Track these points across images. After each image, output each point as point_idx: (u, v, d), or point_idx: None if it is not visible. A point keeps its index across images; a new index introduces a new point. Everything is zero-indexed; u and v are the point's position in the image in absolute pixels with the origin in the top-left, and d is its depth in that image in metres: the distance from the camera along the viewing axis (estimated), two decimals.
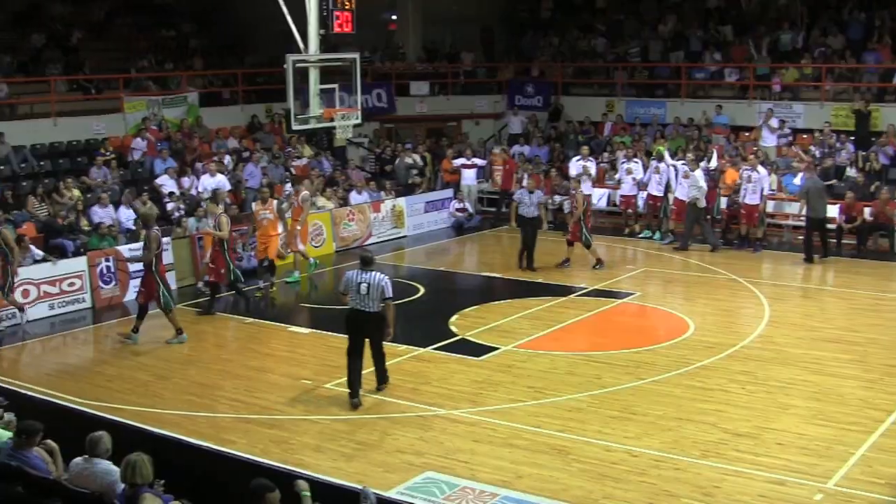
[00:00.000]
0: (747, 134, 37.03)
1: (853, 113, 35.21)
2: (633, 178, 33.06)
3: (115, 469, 11.01)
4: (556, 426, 16.84)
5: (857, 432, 16.49)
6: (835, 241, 29.96)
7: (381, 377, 18.78)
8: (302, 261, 27.70)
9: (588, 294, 25.69)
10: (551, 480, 14.74)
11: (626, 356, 20.66)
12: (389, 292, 17.97)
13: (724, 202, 31.49)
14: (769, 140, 35.77)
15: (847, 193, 30.73)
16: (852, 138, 34.53)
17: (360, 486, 11.15)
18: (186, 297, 26.14)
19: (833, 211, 30.15)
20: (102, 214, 27.47)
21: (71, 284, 24.78)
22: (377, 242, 32.35)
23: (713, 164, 32.52)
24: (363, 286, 17.85)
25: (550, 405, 17.89)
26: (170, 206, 29.25)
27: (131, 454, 10.64)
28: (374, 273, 17.97)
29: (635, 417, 17.30)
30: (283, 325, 23.48)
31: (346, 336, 18.50)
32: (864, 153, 33.75)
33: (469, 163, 36.40)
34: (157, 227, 22.10)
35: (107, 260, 25.51)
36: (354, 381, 18.07)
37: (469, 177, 36.21)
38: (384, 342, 18.37)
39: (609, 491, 14.39)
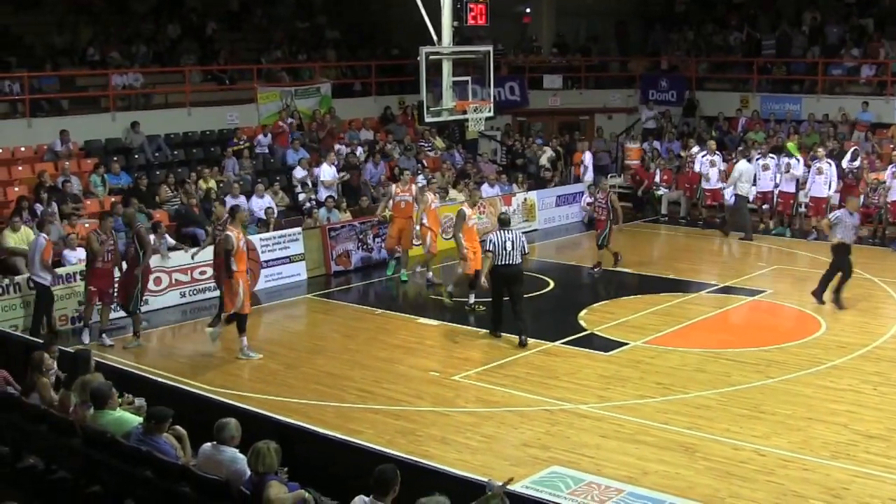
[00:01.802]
0: (885, 131, 36.60)
1: None
2: (771, 175, 32.68)
3: (242, 457, 11.17)
4: (684, 423, 16.80)
5: None
6: None
7: (524, 329, 21.15)
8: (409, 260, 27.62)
9: (718, 291, 25.56)
10: (677, 478, 14.72)
11: (755, 354, 20.48)
12: (527, 247, 21.63)
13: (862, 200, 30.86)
14: None
15: None
16: None
17: (485, 479, 11.23)
18: (317, 287, 26.47)
19: None
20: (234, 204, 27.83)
21: (202, 273, 25.11)
22: None
23: (857, 162, 32.21)
24: (508, 243, 20.91)
25: (678, 402, 17.84)
26: (301, 197, 29.58)
27: (258, 442, 10.82)
28: (514, 231, 21.43)
29: (764, 416, 17.19)
30: (412, 316, 23.65)
31: (495, 295, 21.53)
32: None
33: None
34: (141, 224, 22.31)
35: None
36: (498, 320, 21.56)
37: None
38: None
39: (735, 490, 14.34)
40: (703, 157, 33.82)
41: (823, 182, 31.10)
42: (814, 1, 42.73)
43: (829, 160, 31.76)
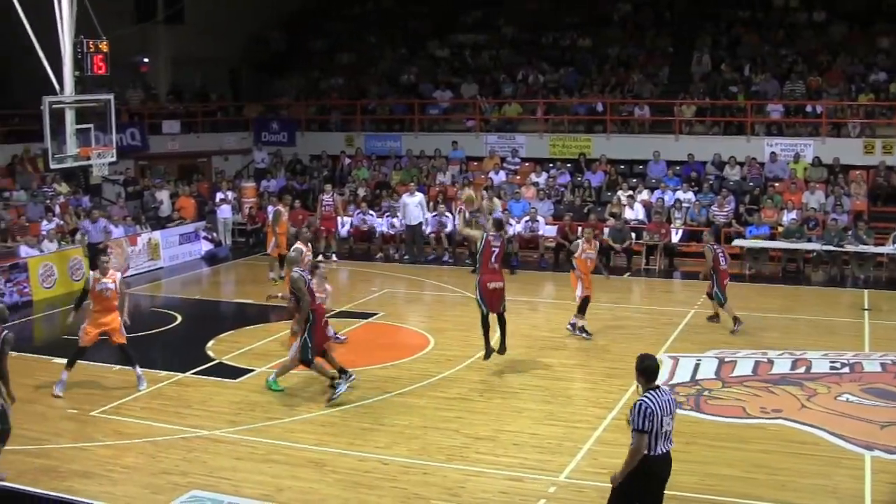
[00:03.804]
0: (479, 164, 37.96)
1: None
2: None
3: None
4: (312, 440, 16.90)
5: (584, 429, 17.13)
6: None
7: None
8: None
9: (334, 315, 25.59)
10: (310, 492, 14.77)
11: (372, 372, 20.80)
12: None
13: None
14: None
15: None
16: None
17: None
18: None
19: None
20: None
21: None
22: (135, 275, 31.85)
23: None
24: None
25: (304, 421, 17.92)
26: None
27: None
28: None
29: (384, 428, 17.47)
30: (46, 357, 22.92)
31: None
32: None
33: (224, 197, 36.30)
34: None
35: None
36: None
37: (225, 210, 36.03)
38: None
39: (364, 498, 14.51)
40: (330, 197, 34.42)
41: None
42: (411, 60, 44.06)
43: (447, 213, 33.10)
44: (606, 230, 31.63)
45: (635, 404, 11.33)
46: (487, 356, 20.69)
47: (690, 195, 33.82)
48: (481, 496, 14.57)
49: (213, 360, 22.15)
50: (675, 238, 32.14)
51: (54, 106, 25.43)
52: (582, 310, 23.36)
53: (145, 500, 14.22)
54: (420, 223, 33.39)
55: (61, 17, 25.79)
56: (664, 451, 11.39)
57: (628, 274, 30.66)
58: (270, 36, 48.35)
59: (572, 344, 22.39)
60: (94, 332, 19.83)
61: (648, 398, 11.28)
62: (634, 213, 33.03)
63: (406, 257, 33.57)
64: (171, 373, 20.91)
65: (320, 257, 33.05)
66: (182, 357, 22.34)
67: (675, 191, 34.17)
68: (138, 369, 20.10)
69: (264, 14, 47.19)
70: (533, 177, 36.47)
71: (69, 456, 16.54)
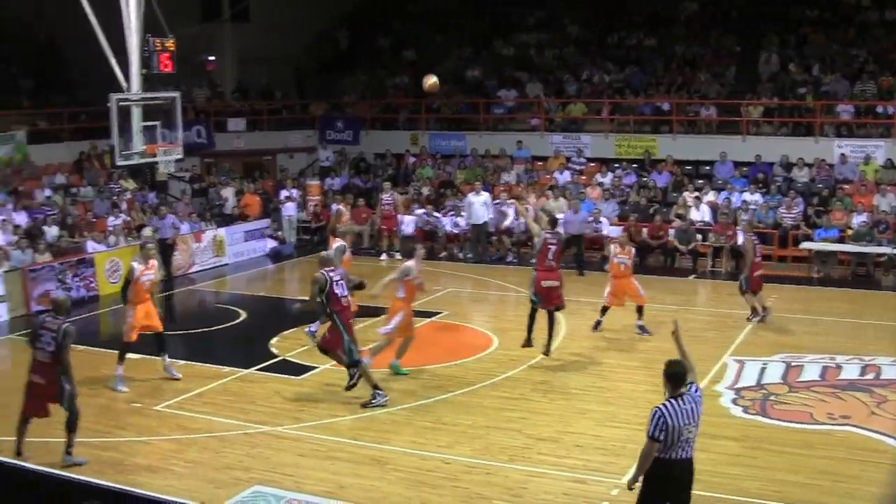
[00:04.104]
0: (542, 164, 37.92)
1: None
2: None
3: None
4: (374, 438, 16.94)
5: None
6: None
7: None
8: None
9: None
10: (372, 490, 14.81)
11: (436, 371, 20.91)
12: None
13: None
14: None
15: None
16: None
17: (196, 503, 11.11)
18: (19, 327, 25.72)
19: None
20: None
21: None
22: (200, 271, 32.09)
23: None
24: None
25: (367, 419, 17.98)
26: (3, 240, 28.63)
27: None
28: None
29: (447, 427, 17.50)
30: (113, 351, 23.04)
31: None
32: None
33: (289, 194, 36.48)
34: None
35: None
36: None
37: (290, 208, 36.18)
38: None
39: (426, 497, 14.53)
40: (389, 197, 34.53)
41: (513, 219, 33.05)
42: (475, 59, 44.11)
43: (510, 202, 32.90)
44: (672, 231, 31.46)
45: (653, 411, 11.40)
46: (526, 345, 21.09)
47: (757, 197, 33.51)
48: (543, 497, 14.56)
49: (277, 356, 22.29)
50: (742, 240, 31.78)
51: (121, 103, 25.65)
52: (639, 311, 23.76)
53: (208, 494, 14.31)
54: (485, 222, 33.36)
55: (129, 16, 26.02)
56: (683, 457, 11.43)
57: (694, 276, 30.47)
58: (335, 34, 48.49)
59: (637, 345, 22.33)
60: (140, 324, 20.21)
61: (666, 407, 11.34)
62: (700, 214, 32.79)
63: (470, 256, 33.55)
64: (235, 369, 21.06)
65: (384, 256, 33.22)
66: (246, 353, 22.46)
67: (741, 192, 33.88)
68: (167, 358, 20.60)
69: (329, 12, 47.35)
70: (598, 177, 36.34)
71: (134, 449, 16.74)
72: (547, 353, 20.98)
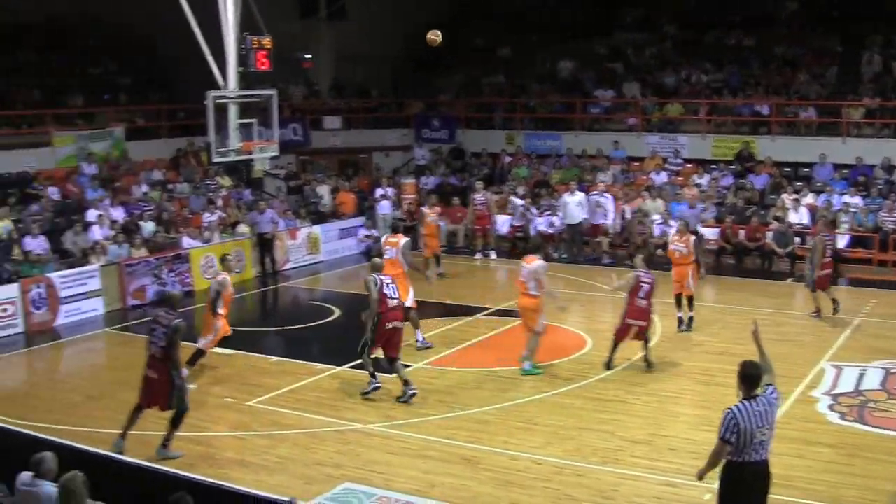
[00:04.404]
0: (639, 164, 37.69)
1: None
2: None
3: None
4: (466, 437, 16.94)
5: None
6: None
7: None
8: None
9: (492, 314, 25.79)
10: (462, 489, 14.81)
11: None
12: None
13: None
14: None
15: None
16: None
17: (287, 498, 11.13)
18: (115, 321, 26.05)
19: None
20: (33, 244, 27.23)
21: (4, 310, 24.58)
22: (294, 268, 32.27)
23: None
24: None
25: (459, 418, 17.98)
26: (100, 235, 28.97)
27: (65, 479, 10.50)
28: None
29: (538, 428, 17.45)
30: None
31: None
32: None
33: (384, 193, 36.56)
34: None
35: (38, 286, 25.32)
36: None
37: (385, 206, 36.24)
38: None
39: (515, 497, 14.50)
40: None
41: (602, 214, 33.00)
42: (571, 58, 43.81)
43: (606, 194, 32.91)
44: (770, 234, 31.09)
45: (725, 412, 11.29)
46: (607, 367, 20.86)
47: (858, 199, 33.00)
48: (634, 500, 14.48)
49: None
50: (841, 244, 31.27)
51: (218, 101, 25.88)
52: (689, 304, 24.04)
53: (299, 490, 14.35)
54: (580, 222, 33.20)
55: (226, 14, 26.23)
56: (755, 459, 11.29)
57: (791, 279, 30.04)
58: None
59: (732, 349, 22.04)
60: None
61: (739, 409, 11.20)
62: (799, 216, 32.34)
63: (564, 256, 33.41)
64: (328, 366, 21.16)
65: (478, 255, 33.16)
66: (339, 351, 22.44)
67: (841, 195, 33.39)
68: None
69: (425, 11, 47.35)
70: (695, 178, 36.01)
71: (226, 444, 16.89)
72: (648, 365, 20.89)
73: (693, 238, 24.51)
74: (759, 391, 11.34)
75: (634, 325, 20.71)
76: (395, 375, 19.20)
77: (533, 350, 20.75)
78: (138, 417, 16.40)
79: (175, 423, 16.18)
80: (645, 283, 20.73)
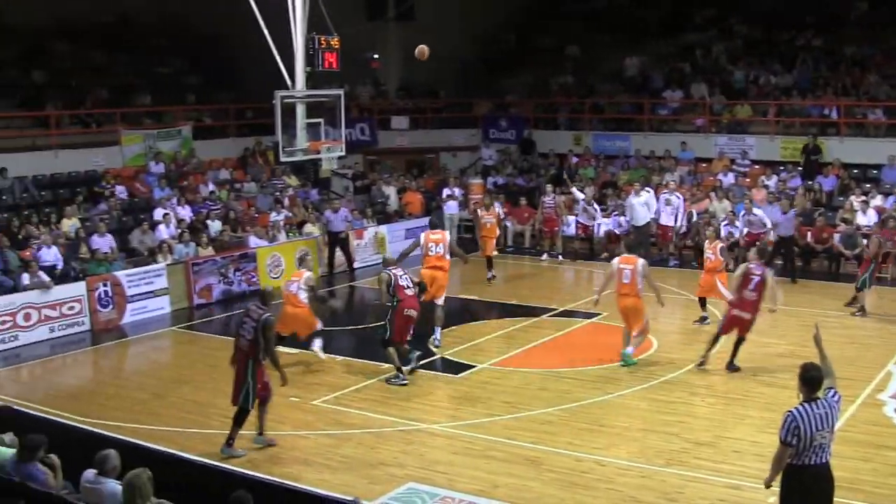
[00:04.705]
0: (706, 165, 37.47)
1: None
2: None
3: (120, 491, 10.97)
4: (530, 438, 16.92)
5: None
6: None
7: None
8: None
9: (557, 315, 25.77)
10: (525, 489, 14.80)
11: (593, 372, 20.77)
12: None
13: None
14: None
15: None
16: None
17: (350, 498, 11.16)
18: (180, 319, 26.23)
19: None
20: (100, 242, 27.48)
21: (71, 308, 24.83)
22: (361, 267, 32.34)
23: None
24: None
25: (524, 419, 17.97)
26: (167, 234, 29.17)
27: (130, 475, 10.59)
28: None
29: (603, 429, 17.41)
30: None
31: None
32: None
33: (451, 193, 36.58)
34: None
35: (105, 285, 25.55)
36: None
37: (452, 206, 36.21)
38: None
39: (579, 498, 14.47)
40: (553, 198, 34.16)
41: (671, 213, 32.63)
42: (640, 58, 43.60)
43: (677, 194, 32.72)
44: (837, 236, 30.80)
45: (785, 414, 11.23)
46: (700, 365, 20.79)
47: None
48: (699, 503, 14.41)
49: (436, 354, 22.40)
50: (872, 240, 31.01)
51: (286, 100, 25.97)
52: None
53: (362, 489, 14.40)
54: (647, 223, 33.02)
55: (294, 14, 26.33)
56: (816, 462, 11.19)
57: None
58: (500, 33, 48.49)
59: (798, 351, 21.86)
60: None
61: (799, 411, 11.15)
62: (867, 218, 32.01)
63: None
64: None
65: (545, 256, 33.06)
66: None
67: None
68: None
69: (494, 11, 47.32)
70: (763, 179, 35.71)
71: (290, 443, 16.95)
72: (729, 368, 20.82)
73: (721, 246, 24.34)
74: (820, 394, 11.26)
75: (740, 316, 20.63)
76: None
77: (638, 345, 21.14)
78: (264, 410, 16.74)
79: (237, 421, 16.33)
80: (755, 275, 20.60)
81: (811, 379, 11.31)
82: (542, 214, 34.15)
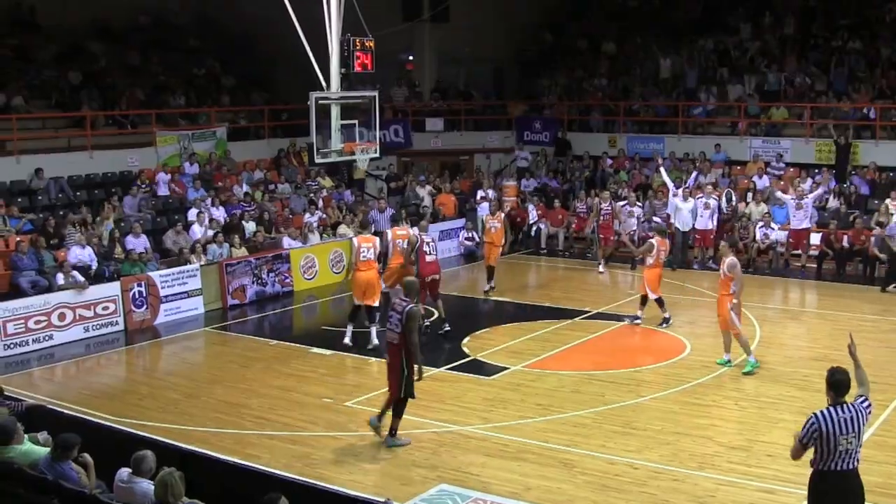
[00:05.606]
0: (741, 168, 37.30)
1: None
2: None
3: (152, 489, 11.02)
4: (562, 441, 16.89)
5: None
6: None
7: None
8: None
9: (591, 317, 25.71)
10: (558, 492, 14.78)
11: (627, 375, 20.77)
12: None
13: None
14: None
15: None
16: None
17: (382, 499, 11.16)
18: (214, 320, 26.34)
19: None
20: (135, 242, 27.58)
21: (105, 308, 24.95)
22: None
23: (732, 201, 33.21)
24: None
25: (556, 421, 17.93)
26: (200, 235, 29.23)
27: (163, 472, 10.65)
28: None
29: (636, 432, 17.36)
30: (305, 346, 23.50)
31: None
32: None
33: (485, 195, 36.53)
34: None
35: (139, 285, 25.65)
36: None
37: (483, 208, 36.08)
38: None
39: (612, 501, 14.46)
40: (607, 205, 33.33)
41: (710, 216, 32.44)
42: (675, 60, 43.35)
43: (714, 196, 32.62)
44: (872, 239, 30.61)
45: (809, 417, 11.27)
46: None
47: None
48: None
49: (468, 356, 22.38)
50: None
51: (320, 102, 25.96)
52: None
53: (394, 491, 14.40)
54: (689, 230, 32.77)
55: (329, 15, 26.34)
56: (841, 468, 11.11)
57: (894, 286, 29.58)
58: (535, 35, 48.44)
59: (832, 355, 21.68)
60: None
61: (823, 415, 11.15)
62: None
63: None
64: (426, 367, 21.01)
65: (601, 267, 32.44)
66: (437, 352, 22.56)
67: None
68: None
69: (529, 13, 47.29)
70: (797, 182, 35.50)
71: (322, 443, 16.97)
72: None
73: (728, 261, 21.13)
74: (848, 399, 11.19)
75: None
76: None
77: (745, 347, 20.88)
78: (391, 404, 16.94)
79: (397, 412, 16.71)
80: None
81: (838, 382, 11.27)
82: (597, 223, 33.50)
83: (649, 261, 24.52)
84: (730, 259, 20.88)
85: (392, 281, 23.69)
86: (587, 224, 35.03)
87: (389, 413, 16.85)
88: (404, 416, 16.98)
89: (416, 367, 16.62)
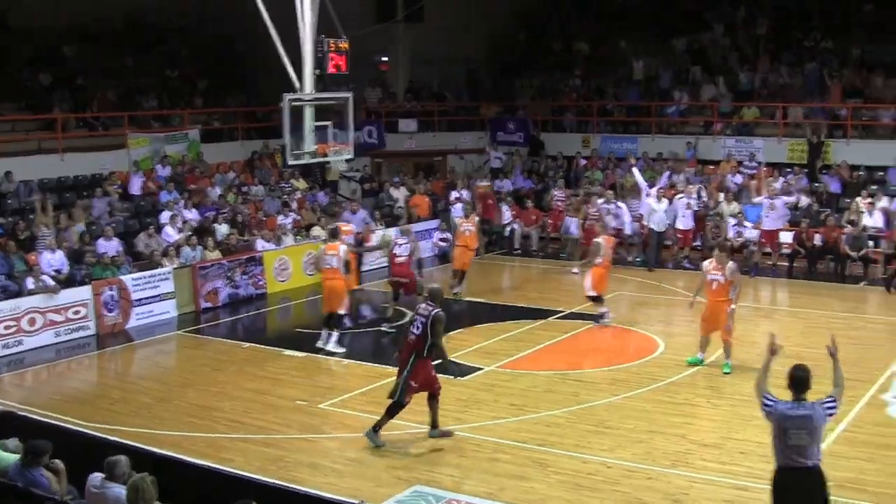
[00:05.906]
0: (714, 167, 37.35)
1: None
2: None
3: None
4: (536, 440, 16.92)
5: None
6: None
7: None
8: None
9: (564, 317, 25.74)
10: (532, 492, 14.81)
11: (600, 374, 20.85)
12: None
13: None
14: None
15: None
16: None
17: (356, 501, 11.17)
18: (187, 323, 26.29)
19: None
20: (107, 246, 27.47)
21: (76, 312, 24.85)
22: (368, 271, 32.24)
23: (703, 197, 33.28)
24: None
25: (530, 421, 17.96)
26: (174, 237, 29.14)
27: (134, 477, 10.62)
28: None
29: (609, 431, 17.40)
30: (277, 349, 23.47)
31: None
32: None
33: (458, 195, 36.51)
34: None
35: (111, 289, 25.56)
36: None
37: (457, 209, 36.02)
38: None
39: (586, 500, 14.48)
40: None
41: (692, 216, 32.75)
42: (650, 60, 43.41)
43: (694, 196, 32.92)
44: (843, 237, 30.73)
45: (772, 397, 11.76)
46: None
47: None
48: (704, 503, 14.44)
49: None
50: None
51: (294, 103, 25.97)
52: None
53: (368, 493, 14.39)
54: (665, 230, 32.86)
55: (302, 16, 26.34)
56: (799, 465, 11.27)
57: (864, 283, 29.70)
58: (509, 35, 48.42)
59: (804, 353, 21.71)
60: None
61: (780, 405, 11.59)
62: (873, 220, 31.94)
63: (639, 260, 33.09)
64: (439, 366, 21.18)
65: (576, 269, 32.33)
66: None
67: None
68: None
69: (503, 14, 47.31)
70: (770, 181, 35.59)
71: (296, 446, 16.96)
72: None
73: (730, 265, 21.00)
74: (811, 398, 11.28)
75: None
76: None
77: (729, 352, 20.99)
78: (432, 404, 17.16)
79: (389, 412, 16.78)
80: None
81: (797, 379, 11.72)
82: (582, 226, 33.36)
83: (598, 260, 24.64)
84: (731, 264, 20.92)
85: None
86: (571, 218, 34.83)
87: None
88: (377, 418, 16.97)
89: (445, 362, 17.19)
